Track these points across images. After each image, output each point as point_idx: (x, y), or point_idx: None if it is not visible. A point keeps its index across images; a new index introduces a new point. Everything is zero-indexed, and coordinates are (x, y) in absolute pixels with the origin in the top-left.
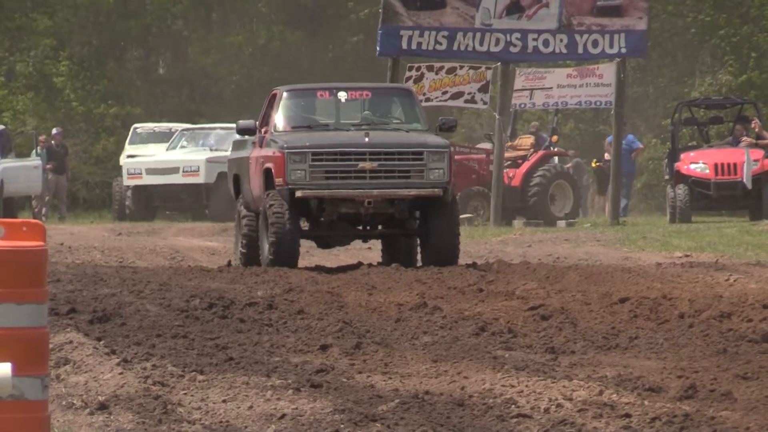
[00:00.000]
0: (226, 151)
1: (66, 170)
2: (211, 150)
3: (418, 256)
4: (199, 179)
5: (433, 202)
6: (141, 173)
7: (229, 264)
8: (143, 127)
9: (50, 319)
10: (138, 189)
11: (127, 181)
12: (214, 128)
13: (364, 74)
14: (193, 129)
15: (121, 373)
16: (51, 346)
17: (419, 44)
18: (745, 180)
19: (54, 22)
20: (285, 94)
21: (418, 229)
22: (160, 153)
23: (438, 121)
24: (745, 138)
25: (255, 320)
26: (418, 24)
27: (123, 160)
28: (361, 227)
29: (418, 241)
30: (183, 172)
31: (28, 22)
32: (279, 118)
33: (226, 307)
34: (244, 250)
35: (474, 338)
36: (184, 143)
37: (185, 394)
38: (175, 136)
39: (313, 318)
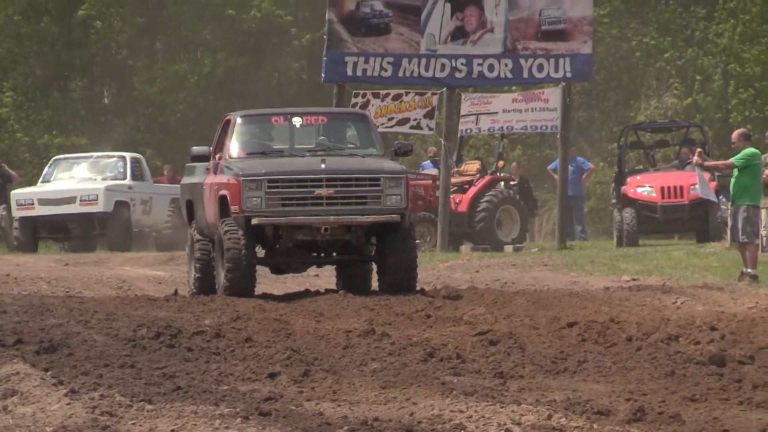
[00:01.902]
0: (117, 180)
1: (5, 201)
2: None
3: (373, 283)
4: (98, 208)
5: (391, 228)
6: (33, 204)
7: (175, 293)
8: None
9: None
10: (26, 220)
11: (17, 213)
12: (90, 156)
13: (310, 100)
14: (67, 158)
15: (68, 404)
16: None
17: (364, 70)
18: (701, 193)
19: None
20: (239, 120)
21: (374, 256)
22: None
23: (393, 146)
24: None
25: (203, 349)
26: (363, 50)
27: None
28: (317, 254)
29: (373, 267)
30: (80, 201)
31: None
32: (233, 144)
33: (173, 336)
34: (198, 275)
35: (422, 364)
36: (62, 173)
37: (134, 423)
38: (48, 165)
39: (261, 346)
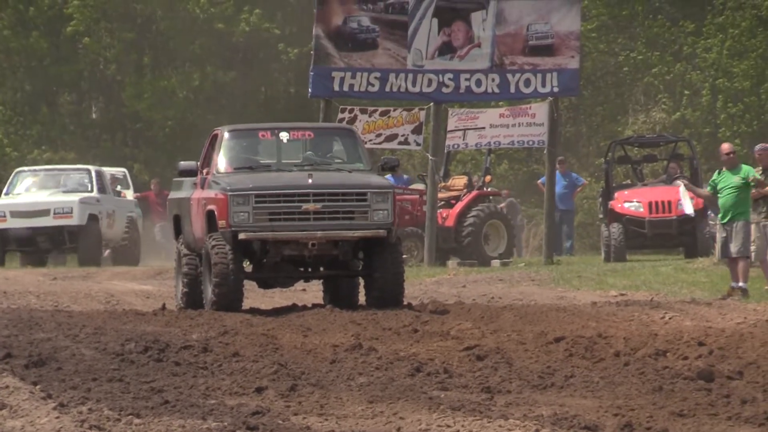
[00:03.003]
0: (84, 193)
1: None
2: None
3: (360, 297)
4: (72, 221)
5: (377, 243)
6: (4, 216)
7: (163, 307)
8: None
9: None
10: None
11: None
12: (54, 169)
13: (297, 115)
14: (31, 170)
15: (57, 418)
16: None
17: (351, 86)
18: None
19: None
20: (226, 135)
21: (362, 271)
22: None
23: (380, 161)
24: (679, 176)
25: (190, 363)
26: (350, 65)
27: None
28: (304, 269)
29: (360, 282)
30: (54, 213)
31: None
32: (221, 159)
33: (161, 350)
34: (186, 289)
35: (409, 379)
36: (27, 185)
37: None
38: (12, 177)
39: (249, 360)
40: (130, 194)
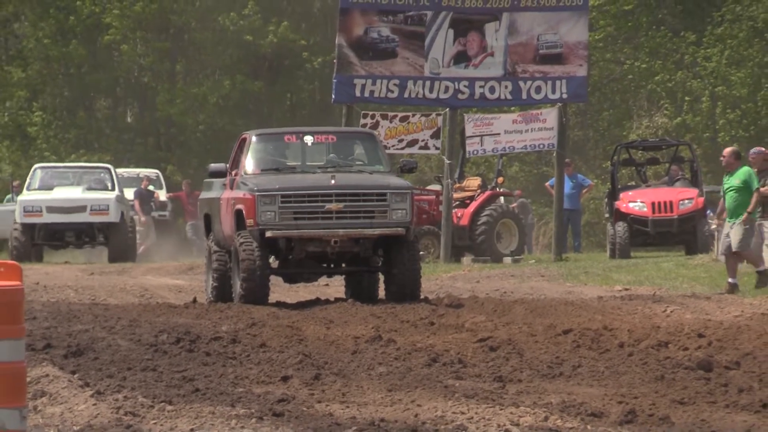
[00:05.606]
0: (106, 190)
1: None
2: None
3: (380, 292)
4: (109, 218)
5: (396, 241)
6: (41, 211)
7: (194, 301)
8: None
9: (27, 354)
10: (27, 227)
11: (23, 219)
12: (74, 167)
13: (320, 120)
14: (51, 167)
15: (94, 404)
16: (28, 379)
17: (372, 92)
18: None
19: (28, 75)
20: (254, 138)
21: (381, 267)
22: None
23: (399, 163)
24: (680, 178)
25: (220, 353)
26: (371, 73)
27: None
28: (327, 265)
29: (380, 278)
30: (91, 210)
31: (3, 75)
32: (249, 161)
33: (192, 341)
34: (216, 284)
35: (426, 368)
36: (50, 182)
37: (155, 423)
38: (32, 172)
39: (275, 351)
40: (162, 194)
